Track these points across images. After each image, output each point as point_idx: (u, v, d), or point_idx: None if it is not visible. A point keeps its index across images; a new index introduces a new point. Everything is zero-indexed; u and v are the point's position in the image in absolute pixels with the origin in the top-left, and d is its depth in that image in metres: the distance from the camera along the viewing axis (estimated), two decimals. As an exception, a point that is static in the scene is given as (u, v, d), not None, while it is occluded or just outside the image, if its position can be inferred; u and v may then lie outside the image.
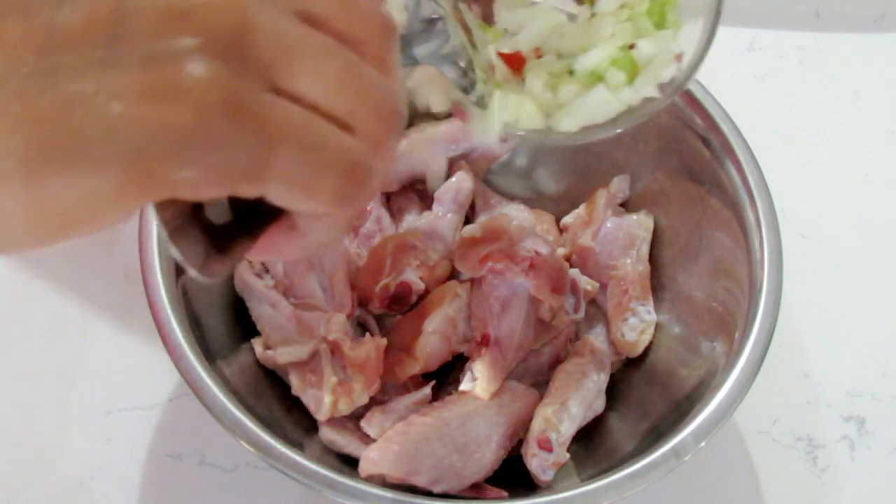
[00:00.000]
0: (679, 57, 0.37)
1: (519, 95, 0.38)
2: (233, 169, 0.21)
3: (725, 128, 0.51)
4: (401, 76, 0.26)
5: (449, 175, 0.58)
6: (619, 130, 0.38)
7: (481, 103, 0.37)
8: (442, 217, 0.56)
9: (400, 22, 0.34)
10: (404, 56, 0.34)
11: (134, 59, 0.21)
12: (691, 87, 0.51)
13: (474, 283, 0.52)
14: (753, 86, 0.72)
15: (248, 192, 0.22)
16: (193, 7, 0.21)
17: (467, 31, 0.36)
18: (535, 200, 0.60)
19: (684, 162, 0.53)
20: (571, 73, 0.38)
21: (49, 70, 0.20)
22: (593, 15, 0.38)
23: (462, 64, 0.35)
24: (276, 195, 0.23)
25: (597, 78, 0.37)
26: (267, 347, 0.51)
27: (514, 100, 0.38)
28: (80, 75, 0.20)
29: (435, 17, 0.35)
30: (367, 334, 0.51)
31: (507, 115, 0.38)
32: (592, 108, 0.37)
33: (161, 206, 0.23)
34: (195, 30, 0.21)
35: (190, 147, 0.21)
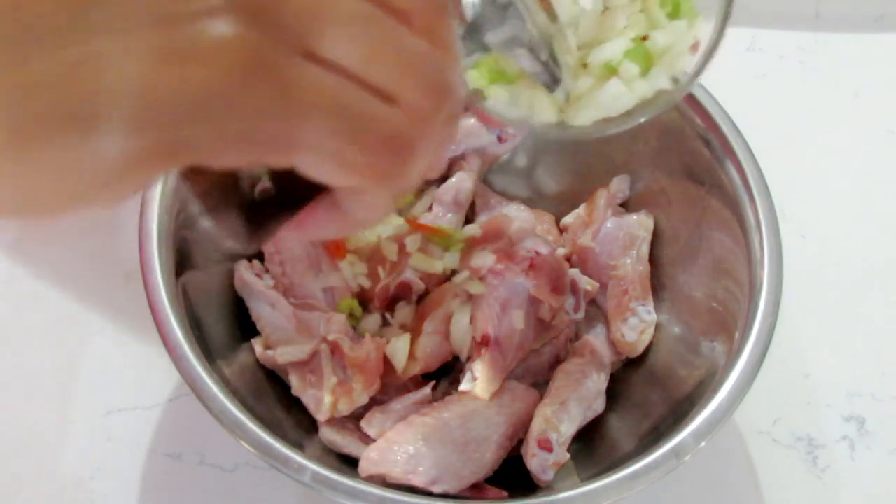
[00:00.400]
0: (695, 47, 0.36)
1: (533, 90, 0.38)
2: (256, 136, 0.20)
3: (725, 128, 0.51)
4: (458, 52, 0.25)
5: (449, 175, 0.58)
6: (635, 123, 0.37)
7: (569, 100, 0.34)
8: (442, 217, 0.56)
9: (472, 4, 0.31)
10: (474, 42, 0.31)
11: (149, 18, 0.19)
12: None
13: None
14: (753, 86, 0.72)
15: (275, 161, 0.21)
16: None
17: (549, 9, 0.32)
18: (535, 200, 0.60)
19: (684, 162, 0.53)
20: (585, 66, 0.37)
21: (50, 30, 0.19)
22: (607, 8, 0.38)
23: (543, 57, 0.32)
24: (307, 166, 0.22)
25: (611, 71, 0.37)
26: (267, 347, 0.51)
27: (527, 94, 0.38)
28: (87, 36, 0.19)
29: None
30: (367, 334, 0.51)
31: (521, 111, 0.37)
32: (607, 102, 0.37)
33: (194, 177, 0.22)
34: None
35: (208, 111, 0.20)
